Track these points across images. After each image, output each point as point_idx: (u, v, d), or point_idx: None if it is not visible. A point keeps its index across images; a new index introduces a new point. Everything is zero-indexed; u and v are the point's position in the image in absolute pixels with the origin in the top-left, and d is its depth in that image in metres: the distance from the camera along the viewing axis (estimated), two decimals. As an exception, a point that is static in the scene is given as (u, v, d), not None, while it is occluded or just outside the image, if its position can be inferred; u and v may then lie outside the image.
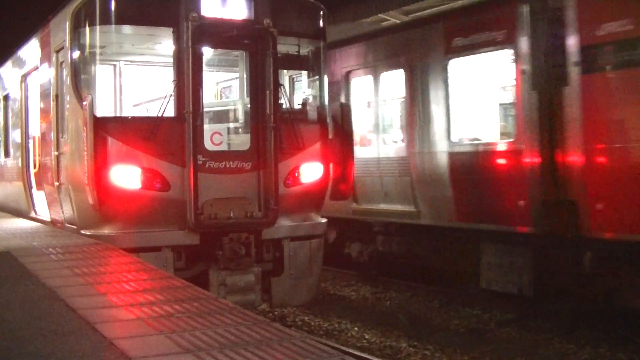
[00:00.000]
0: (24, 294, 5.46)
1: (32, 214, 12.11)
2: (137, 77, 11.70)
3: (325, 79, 10.18)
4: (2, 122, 14.72)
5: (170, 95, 8.65)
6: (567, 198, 9.24)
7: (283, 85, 9.65)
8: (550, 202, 9.46)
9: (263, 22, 8.98)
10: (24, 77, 12.38)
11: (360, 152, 12.34)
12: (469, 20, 10.92)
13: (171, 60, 8.91)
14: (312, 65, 10.24)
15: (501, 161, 10.36)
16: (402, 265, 13.01)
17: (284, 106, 9.44)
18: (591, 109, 9.00)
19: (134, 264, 6.85)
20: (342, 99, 12.97)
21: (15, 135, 13.27)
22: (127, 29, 9.51)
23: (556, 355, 8.88)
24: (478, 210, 10.67)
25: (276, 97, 9.07)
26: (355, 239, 13.78)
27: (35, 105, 11.71)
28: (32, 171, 11.75)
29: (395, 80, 12.44)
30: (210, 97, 11.72)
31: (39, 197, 11.50)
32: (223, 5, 8.84)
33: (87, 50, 8.92)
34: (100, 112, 8.80)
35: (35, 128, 11.57)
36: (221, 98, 12.41)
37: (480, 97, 11.85)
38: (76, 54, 8.90)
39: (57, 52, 9.72)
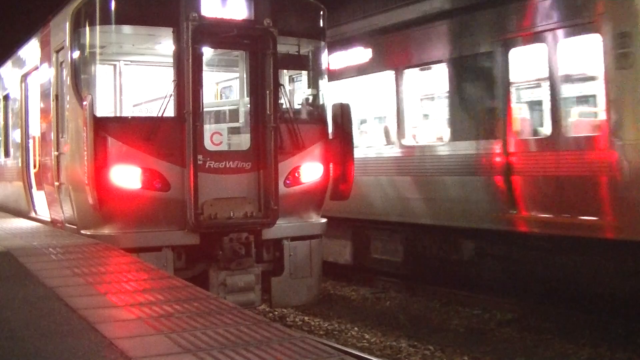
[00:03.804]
0: (24, 294, 5.46)
1: (32, 214, 12.11)
2: (137, 77, 11.69)
3: (326, 78, 10.18)
4: (2, 122, 14.73)
5: (170, 95, 8.66)
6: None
7: (283, 85, 9.66)
8: None
9: (263, 22, 8.98)
10: (24, 77, 12.38)
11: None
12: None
13: (171, 60, 8.92)
14: (313, 65, 10.24)
15: None
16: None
17: (284, 106, 9.44)
18: None
19: (134, 264, 6.85)
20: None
21: (15, 135, 13.28)
22: (127, 29, 9.52)
23: (556, 355, 8.88)
24: None
25: (276, 97, 9.07)
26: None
27: (35, 105, 11.71)
28: (32, 171, 11.75)
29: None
30: (210, 97, 11.72)
31: (39, 197, 11.50)
32: (223, 5, 8.84)
33: (87, 50, 8.93)
34: (100, 112, 8.80)
35: (35, 128, 11.57)
36: (221, 98, 12.41)
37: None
38: (76, 54, 8.90)
39: (57, 52, 9.72)
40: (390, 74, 12.72)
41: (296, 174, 9.36)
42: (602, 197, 9.09)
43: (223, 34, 8.93)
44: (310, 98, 10.30)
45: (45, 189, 10.79)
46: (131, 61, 11.34)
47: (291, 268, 9.44)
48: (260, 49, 9.09)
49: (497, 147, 10.42)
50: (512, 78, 10.40)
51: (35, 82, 11.59)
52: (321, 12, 9.94)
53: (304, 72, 10.68)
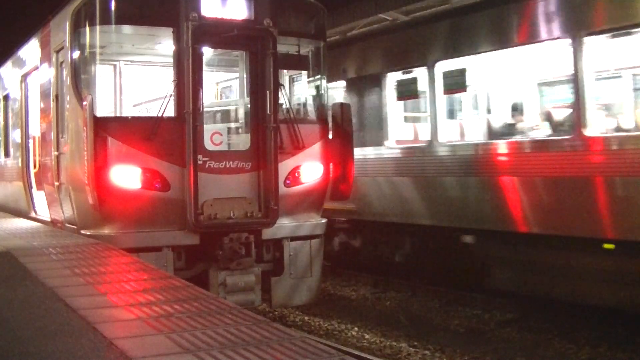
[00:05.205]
0: (24, 294, 5.46)
1: (32, 214, 12.11)
2: (137, 77, 11.70)
3: (326, 78, 10.18)
4: (2, 122, 14.73)
5: (170, 95, 8.66)
6: None
7: (283, 85, 9.66)
8: None
9: (263, 22, 8.98)
10: (24, 77, 12.38)
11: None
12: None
13: (171, 60, 8.92)
14: (313, 65, 10.24)
15: None
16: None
17: (284, 106, 9.44)
18: None
19: (134, 264, 6.85)
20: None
21: (15, 135, 13.27)
22: (127, 29, 9.51)
23: (556, 355, 8.88)
24: None
25: (276, 97, 9.08)
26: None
27: (35, 105, 11.71)
28: (32, 171, 11.75)
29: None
30: (210, 97, 11.72)
31: (39, 197, 11.50)
32: (223, 5, 8.84)
33: (87, 50, 8.93)
34: (100, 112, 8.80)
35: (35, 128, 11.57)
36: (221, 98, 12.41)
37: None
38: (76, 54, 8.90)
39: (57, 52, 9.73)
40: None
41: (296, 174, 9.36)
42: None
43: (223, 34, 8.93)
44: (311, 98, 10.30)
45: (45, 189, 10.79)
46: (131, 61, 11.34)
47: (291, 268, 9.44)
48: (260, 49, 9.10)
49: None
50: None
51: (35, 82, 11.58)
52: (321, 12, 9.94)
53: (304, 72, 10.68)
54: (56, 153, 9.78)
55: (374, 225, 13.02)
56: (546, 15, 9.70)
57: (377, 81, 12.64)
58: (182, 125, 8.56)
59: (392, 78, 12.44)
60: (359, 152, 12.37)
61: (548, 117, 10.94)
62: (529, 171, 9.88)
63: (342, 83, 13.61)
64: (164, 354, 3.75)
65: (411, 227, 12.19)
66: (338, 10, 15.84)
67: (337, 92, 13.74)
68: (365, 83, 13.08)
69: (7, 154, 14.30)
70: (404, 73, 12.29)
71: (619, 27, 8.81)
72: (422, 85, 11.85)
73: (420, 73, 11.85)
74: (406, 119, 13.46)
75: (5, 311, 4.89)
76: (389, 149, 12.45)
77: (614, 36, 9.05)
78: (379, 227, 12.96)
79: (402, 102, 12.86)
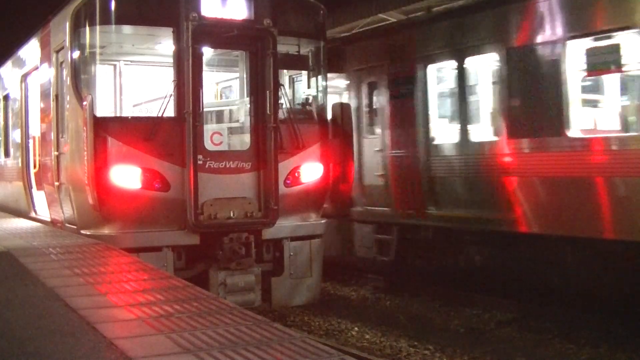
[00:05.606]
0: (24, 294, 5.47)
1: (32, 214, 12.11)
2: (137, 77, 11.70)
3: (326, 78, 10.18)
4: (2, 122, 14.74)
5: (170, 95, 8.67)
6: None
7: (283, 85, 9.66)
8: None
9: (263, 22, 8.99)
10: (24, 77, 12.39)
11: None
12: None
13: (171, 60, 8.93)
14: (313, 64, 10.24)
15: None
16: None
17: (284, 106, 9.44)
18: None
19: (134, 264, 6.86)
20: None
21: (15, 135, 13.29)
22: (127, 29, 9.53)
23: (556, 355, 8.88)
24: None
25: (276, 97, 9.08)
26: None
27: (35, 105, 11.72)
28: (32, 171, 11.76)
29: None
30: (210, 97, 11.73)
31: (39, 197, 11.51)
32: (223, 5, 8.85)
33: (87, 50, 8.94)
34: (100, 112, 8.81)
35: (35, 128, 11.58)
36: (221, 98, 12.42)
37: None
38: (76, 54, 8.91)
39: (57, 52, 9.73)
40: None
41: (296, 174, 9.37)
42: None
43: (223, 34, 8.94)
44: (311, 98, 10.31)
45: (45, 189, 10.79)
46: (131, 61, 11.36)
47: (291, 268, 9.44)
48: (260, 49, 9.10)
49: None
50: None
51: (35, 82, 11.59)
52: (321, 12, 9.95)
53: (304, 72, 10.68)
54: (56, 153, 9.78)
55: (539, 240, 10.11)
56: None
57: (552, 51, 9.59)
58: (182, 125, 8.57)
59: (578, 46, 9.36)
60: (518, 146, 10.13)
61: None
62: None
63: (494, 56, 10.41)
64: (164, 354, 3.75)
65: (610, 245, 9.32)
66: (338, 9, 15.83)
67: (487, 66, 10.86)
68: (533, 54, 9.96)
69: (7, 154, 14.31)
70: (596, 39, 9.21)
71: None
72: (629, 54, 8.78)
73: (626, 38, 8.80)
74: (585, 102, 10.23)
75: (5, 311, 4.89)
76: (573, 141, 9.34)
77: None
78: (550, 243, 10.03)
79: (587, 80, 9.76)
